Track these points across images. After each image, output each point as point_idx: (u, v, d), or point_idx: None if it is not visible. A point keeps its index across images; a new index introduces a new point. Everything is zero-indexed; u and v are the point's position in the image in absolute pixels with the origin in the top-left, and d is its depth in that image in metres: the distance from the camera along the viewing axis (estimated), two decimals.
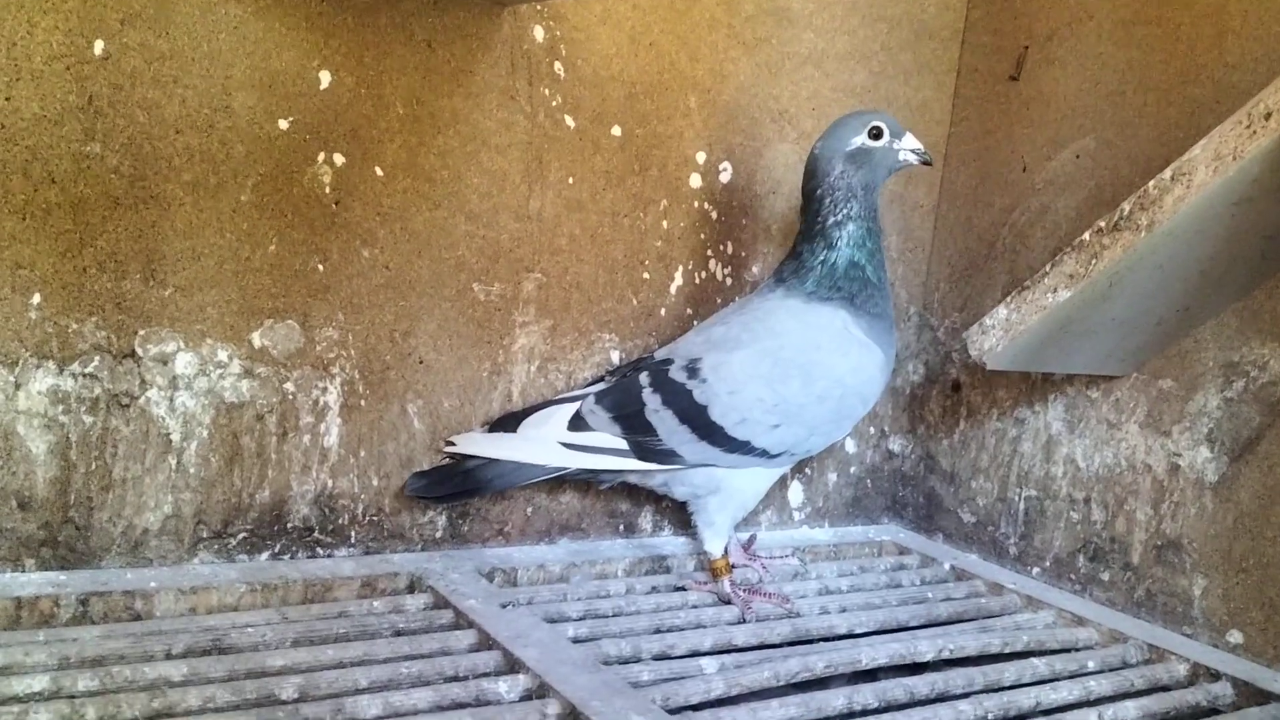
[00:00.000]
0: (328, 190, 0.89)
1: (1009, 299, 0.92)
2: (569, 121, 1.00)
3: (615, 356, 1.05)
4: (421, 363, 0.95)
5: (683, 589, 0.95)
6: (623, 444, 0.91)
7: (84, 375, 0.81)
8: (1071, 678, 0.85)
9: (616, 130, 1.02)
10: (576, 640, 0.81)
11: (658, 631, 0.86)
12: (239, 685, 0.67)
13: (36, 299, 0.79)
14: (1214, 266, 0.89)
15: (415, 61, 0.91)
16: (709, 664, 0.80)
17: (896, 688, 0.79)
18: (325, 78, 0.88)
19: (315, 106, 0.87)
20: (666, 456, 0.91)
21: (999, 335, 0.93)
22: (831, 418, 0.92)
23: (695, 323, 1.05)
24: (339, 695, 0.68)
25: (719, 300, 1.10)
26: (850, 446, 1.23)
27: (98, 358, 0.81)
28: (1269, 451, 0.92)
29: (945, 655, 0.88)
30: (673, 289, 1.08)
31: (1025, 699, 0.81)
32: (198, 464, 0.86)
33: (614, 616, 0.88)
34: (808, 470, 1.20)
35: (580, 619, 0.86)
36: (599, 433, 0.91)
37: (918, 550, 1.16)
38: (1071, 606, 1.00)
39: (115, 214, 0.81)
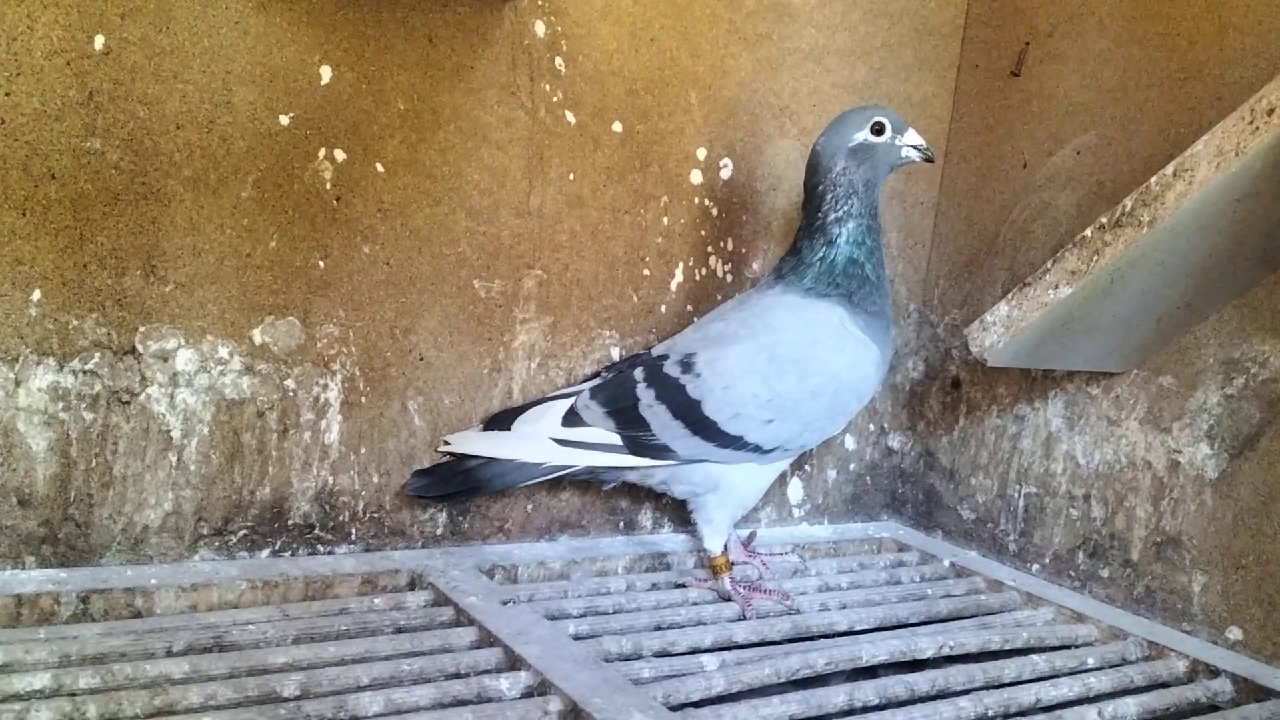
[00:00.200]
0: (328, 186, 0.89)
1: (1010, 295, 0.92)
2: (570, 117, 0.99)
3: (616, 353, 1.05)
4: (422, 359, 0.95)
5: (683, 586, 0.95)
6: (617, 439, 0.91)
7: (84, 372, 0.81)
8: (1071, 674, 0.86)
9: (617, 126, 1.02)
10: (577, 637, 0.81)
11: (658, 628, 0.86)
12: (240, 683, 0.67)
13: (37, 295, 0.79)
14: (1215, 263, 0.89)
15: (416, 57, 0.91)
16: (710, 661, 0.80)
17: (897, 684, 0.79)
18: (326, 73, 0.87)
19: (316, 102, 0.87)
20: (660, 452, 0.91)
21: (1000, 332, 0.93)
22: (825, 414, 0.92)
23: (695, 319, 1.05)
24: (340, 692, 0.68)
25: (719, 297, 1.10)
26: (850, 443, 1.23)
27: (98, 354, 0.81)
28: (1269, 448, 0.92)
29: (945, 652, 0.88)
30: (673, 285, 1.08)
31: (1025, 696, 0.81)
32: (198, 461, 0.86)
33: (615, 613, 0.88)
34: (807, 467, 1.20)
35: (581, 616, 0.86)
36: (593, 428, 0.91)
37: (917, 547, 1.16)
38: (1071, 603, 1.00)
39: (116, 210, 0.80)
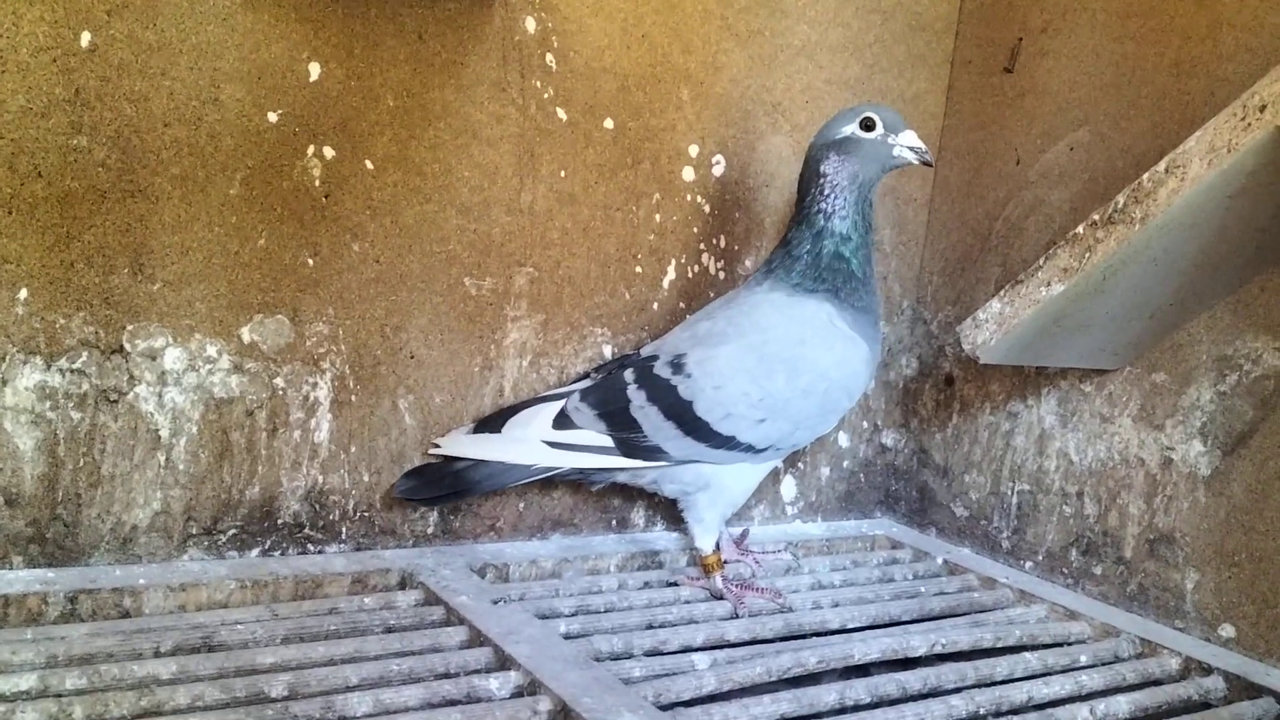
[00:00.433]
0: (317, 184, 0.88)
1: (1002, 292, 0.92)
2: (561, 114, 0.99)
3: (608, 351, 1.05)
4: (412, 358, 0.94)
5: (675, 584, 0.95)
6: (608, 441, 0.90)
7: (72, 371, 0.80)
8: (1063, 672, 0.86)
9: (609, 123, 1.02)
10: (568, 636, 0.81)
11: (650, 627, 0.85)
12: (228, 683, 0.67)
13: (23, 294, 0.78)
14: (1208, 260, 0.89)
15: (406, 53, 0.90)
16: (701, 660, 0.80)
17: (889, 683, 0.79)
18: (315, 70, 0.87)
19: (305, 99, 0.87)
20: (652, 453, 0.90)
21: (992, 329, 0.93)
22: (816, 412, 0.92)
23: (688, 317, 1.05)
24: (329, 693, 0.68)
25: (712, 294, 1.10)
26: (843, 441, 1.23)
27: (85, 353, 0.81)
28: (1262, 445, 0.92)
29: (937, 650, 0.88)
30: (665, 283, 1.08)
31: (1017, 694, 0.81)
32: (187, 460, 0.85)
33: (606, 612, 0.87)
34: (800, 464, 1.20)
35: (572, 615, 0.86)
36: (584, 430, 0.90)
37: (910, 544, 1.16)
38: (1064, 601, 1.00)
39: (103, 208, 0.80)
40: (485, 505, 1.00)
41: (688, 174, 1.07)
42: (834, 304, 0.90)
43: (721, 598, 0.92)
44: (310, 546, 0.92)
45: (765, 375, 0.89)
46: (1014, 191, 1.14)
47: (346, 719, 0.66)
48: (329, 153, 0.88)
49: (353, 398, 0.92)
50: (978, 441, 1.16)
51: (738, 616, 0.90)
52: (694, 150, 1.07)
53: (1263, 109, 0.75)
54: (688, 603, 0.91)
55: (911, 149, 0.90)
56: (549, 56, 0.97)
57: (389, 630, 0.79)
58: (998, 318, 0.92)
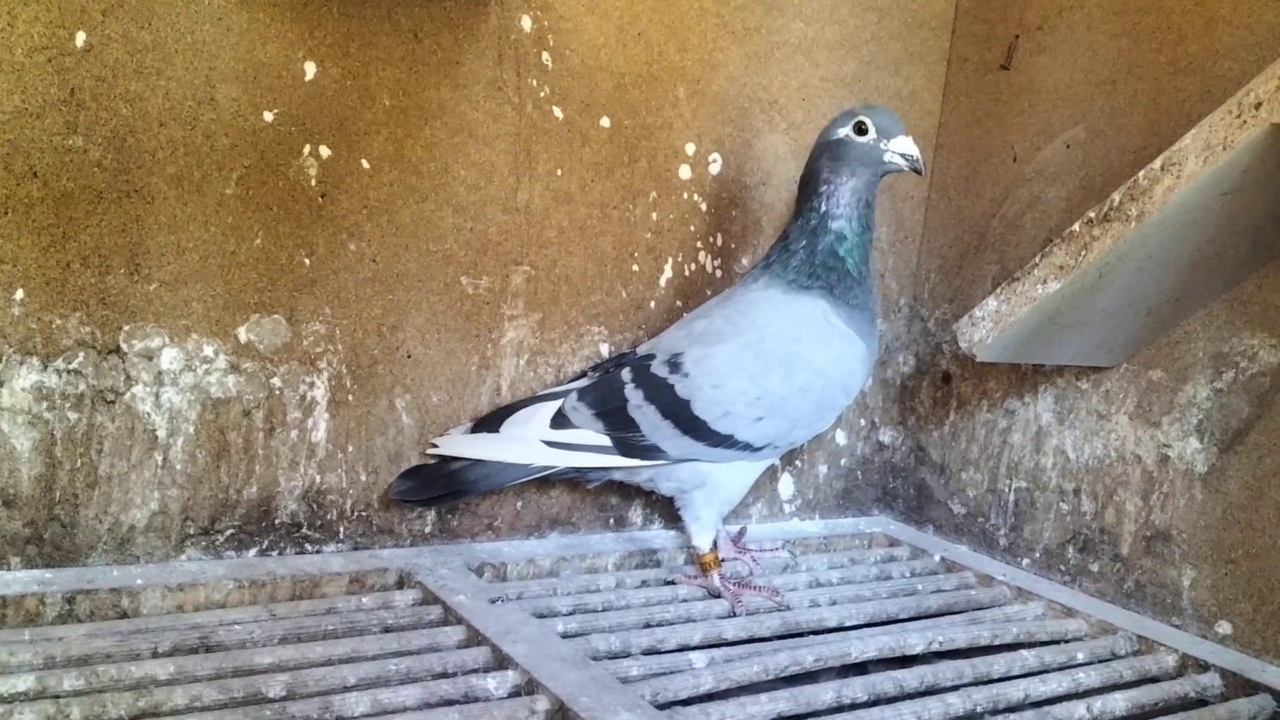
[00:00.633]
0: (313, 183, 0.88)
1: (999, 290, 0.92)
2: (557, 113, 0.99)
3: (605, 349, 1.05)
4: (409, 357, 0.94)
5: (673, 583, 0.95)
6: (606, 440, 0.90)
7: (68, 371, 0.80)
8: (1061, 669, 0.86)
9: (605, 121, 1.02)
10: (566, 635, 0.81)
11: (647, 626, 0.85)
12: (226, 683, 0.67)
13: (19, 295, 0.78)
14: (1204, 257, 0.89)
15: (401, 52, 0.90)
16: (698, 658, 0.80)
17: (886, 681, 0.79)
18: (310, 69, 0.87)
19: (300, 98, 0.87)
20: (650, 452, 0.90)
21: (989, 327, 0.93)
22: (814, 409, 0.92)
23: (685, 315, 1.05)
24: (327, 693, 0.68)
25: (709, 292, 1.09)
26: (840, 438, 1.23)
27: (82, 354, 0.81)
28: (1258, 442, 0.92)
29: (935, 648, 0.88)
30: (662, 281, 1.08)
31: (1014, 691, 0.81)
32: (184, 460, 0.85)
33: (603, 611, 0.88)
34: (798, 462, 1.20)
35: (569, 614, 0.86)
36: (582, 430, 0.90)
37: (908, 542, 1.16)
38: (1061, 598, 1.00)
39: (98, 208, 0.80)
40: (483, 504, 1.00)
41: (684, 172, 1.07)
42: (829, 301, 0.90)
43: (719, 596, 0.92)
44: (308, 546, 0.92)
45: (762, 373, 0.89)
46: (1011, 189, 1.14)
47: (344, 719, 0.66)
48: (325, 152, 0.88)
49: (350, 397, 0.92)
50: (975, 439, 1.16)
51: (735, 615, 0.90)
52: (690, 148, 1.07)
53: (1258, 106, 0.75)
54: (685, 601, 0.91)
55: (903, 155, 0.89)
56: (545, 55, 0.97)
57: (387, 630, 0.79)
58: (994, 315, 0.92)
